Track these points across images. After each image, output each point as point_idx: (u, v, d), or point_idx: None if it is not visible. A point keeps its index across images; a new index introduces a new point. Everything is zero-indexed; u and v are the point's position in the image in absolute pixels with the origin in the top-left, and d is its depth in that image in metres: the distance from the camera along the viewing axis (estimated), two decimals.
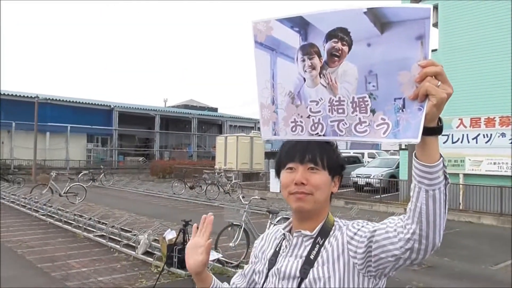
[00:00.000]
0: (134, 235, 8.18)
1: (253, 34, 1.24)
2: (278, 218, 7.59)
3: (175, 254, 6.40)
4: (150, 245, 7.67)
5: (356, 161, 21.76)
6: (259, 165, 24.68)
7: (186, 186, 18.94)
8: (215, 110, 44.52)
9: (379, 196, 15.67)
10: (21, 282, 6.19)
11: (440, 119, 1.03)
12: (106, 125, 32.48)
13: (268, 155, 25.37)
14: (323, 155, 1.28)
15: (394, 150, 24.77)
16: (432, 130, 1.02)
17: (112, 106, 32.76)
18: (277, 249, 1.35)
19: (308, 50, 1.16)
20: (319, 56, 1.14)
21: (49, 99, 29.07)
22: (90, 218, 9.88)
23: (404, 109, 1.02)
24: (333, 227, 1.27)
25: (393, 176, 17.73)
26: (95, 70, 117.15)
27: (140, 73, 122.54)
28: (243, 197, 8.51)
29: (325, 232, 1.27)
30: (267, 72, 1.24)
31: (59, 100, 30.15)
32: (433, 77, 0.99)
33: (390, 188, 16.62)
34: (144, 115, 35.35)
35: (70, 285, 6.02)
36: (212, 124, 41.90)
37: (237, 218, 7.60)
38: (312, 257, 1.24)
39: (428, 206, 1.03)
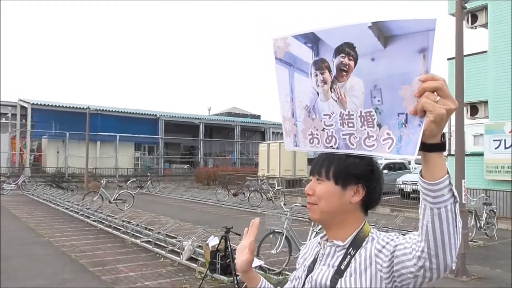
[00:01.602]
0: (179, 241, 8.41)
1: (274, 50, 1.29)
2: (320, 226, 7.56)
3: (217, 261, 6.53)
4: (194, 251, 7.86)
5: (402, 167, 21.19)
6: (302, 172, 24.55)
7: (230, 193, 19.18)
8: (258, 117, 44.83)
9: None
10: (75, 285, 6.53)
11: (443, 135, 1.01)
12: (152, 134, 33.53)
13: (311, 161, 25.16)
14: (330, 166, 1.31)
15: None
16: (433, 146, 1.01)
17: (158, 115, 33.78)
18: (316, 257, 1.38)
19: (320, 65, 1.18)
20: (330, 71, 1.16)
21: (99, 110, 30.40)
22: (137, 225, 10.25)
23: (406, 124, 1.02)
24: (367, 239, 1.28)
25: None
26: (141, 81, 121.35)
27: (184, 82, 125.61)
28: (284, 204, 8.55)
29: (357, 243, 1.28)
30: (286, 86, 1.29)
31: (109, 110, 31.45)
32: (434, 92, 0.97)
33: None
34: (188, 123, 36.21)
35: None
36: (255, 131, 42.19)
37: (279, 225, 7.64)
38: (342, 267, 1.26)
39: (434, 224, 1.02)
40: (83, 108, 27.31)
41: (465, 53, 8.52)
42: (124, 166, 30.90)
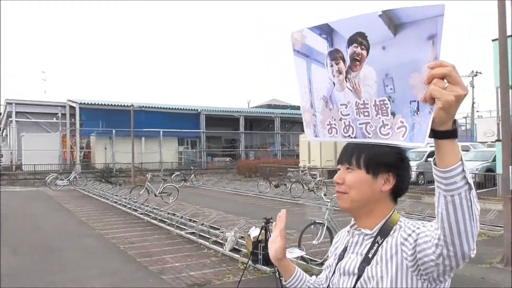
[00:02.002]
0: (222, 232, 8.60)
1: (292, 43, 1.31)
2: None
3: (259, 251, 6.63)
4: (236, 242, 8.00)
5: None
6: None
7: (271, 184, 19.29)
8: (298, 108, 44.35)
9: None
10: (124, 275, 6.85)
11: (455, 122, 1.00)
12: (194, 128, 34.15)
13: None
14: (361, 155, 1.32)
15: (491, 142, 22.82)
16: (444, 133, 1.00)
17: (199, 110, 34.34)
18: (346, 246, 1.41)
19: (335, 55, 1.19)
20: (344, 61, 1.17)
21: (143, 107, 31.30)
22: (182, 217, 10.54)
23: (418, 112, 1.02)
24: (394, 227, 1.28)
25: (490, 170, 16.38)
26: (182, 77, 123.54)
27: (224, 76, 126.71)
28: (325, 195, 8.50)
29: (385, 232, 1.29)
30: (304, 77, 1.31)
31: (152, 107, 32.33)
32: (443, 79, 0.96)
33: (487, 183, 15.40)
34: (229, 117, 36.57)
35: (165, 278, 6.53)
36: (295, 122, 41.98)
37: (320, 216, 7.63)
38: (370, 255, 1.28)
39: (448, 212, 1.01)
40: (127, 105, 28.22)
41: (509, 33, 8.13)
42: (168, 160, 31.73)
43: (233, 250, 7.86)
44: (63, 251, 8.41)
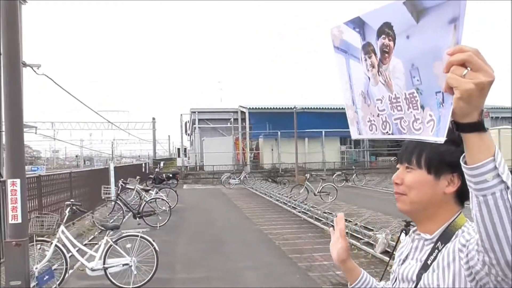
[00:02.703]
0: (374, 233, 8.43)
1: (331, 39, 1.29)
2: None
3: None
4: (388, 245, 7.76)
5: None
6: None
7: None
8: None
9: None
10: (275, 268, 7.34)
11: (481, 113, 0.89)
12: None
13: None
14: (422, 153, 1.23)
15: None
16: (468, 126, 0.90)
17: None
18: (409, 251, 1.34)
19: (367, 49, 1.14)
20: (375, 54, 1.11)
21: (305, 108, 32.30)
22: (336, 216, 10.63)
23: (443, 104, 0.93)
24: (457, 232, 1.18)
25: None
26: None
27: None
28: None
29: (446, 237, 1.19)
30: (345, 74, 1.28)
31: (313, 108, 33.11)
32: (463, 65, 0.86)
33: None
34: None
35: (312, 275, 6.77)
36: None
37: None
38: (429, 262, 1.20)
39: (482, 213, 0.91)
40: (290, 108, 29.52)
41: None
42: (331, 160, 32.04)
43: (385, 252, 7.64)
44: (229, 244, 9.40)
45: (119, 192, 12.57)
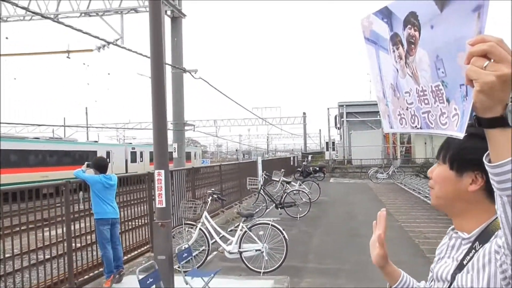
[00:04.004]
0: None
1: (362, 30, 1.26)
2: None
3: None
4: None
5: None
6: None
7: None
8: None
9: None
10: (408, 267, 7.00)
11: (505, 107, 0.82)
12: None
13: None
14: (448, 149, 1.21)
15: None
16: (491, 121, 0.84)
17: None
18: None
19: (395, 40, 1.09)
20: (402, 45, 1.07)
21: None
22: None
23: (467, 97, 0.87)
24: (497, 232, 1.10)
25: None
26: None
27: None
28: None
29: (485, 237, 1.13)
30: (375, 65, 1.24)
31: None
32: (485, 56, 0.80)
33: None
34: None
35: None
36: None
37: None
38: (465, 262, 1.15)
39: (506, 214, 0.86)
40: None
41: None
42: None
43: None
44: (365, 238, 9.29)
45: (263, 183, 13.43)
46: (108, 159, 30.18)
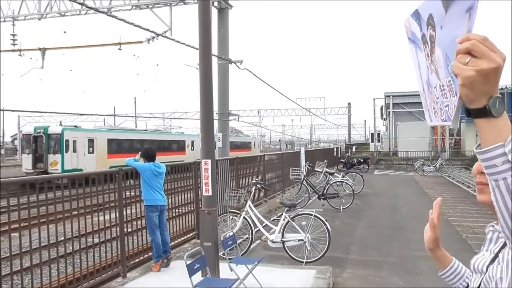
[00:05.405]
0: None
1: (405, 31, 1.37)
2: None
3: None
4: None
5: None
6: None
7: None
8: None
9: None
10: None
11: (489, 99, 0.89)
12: None
13: None
14: None
15: None
16: (475, 112, 0.92)
17: None
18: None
19: (424, 39, 1.19)
20: (427, 44, 1.17)
21: None
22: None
23: (457, 91, 0.98)
24: None
25: None
26: None
27: None
28: None
29: None
30: (416, 63, 1.34)
31: None
32: (469, 53, 0.88)
33: None
34: None
35: None
36: None
37: None
38: (500, 255, 1.19)
39: (496, 199, 0.91)
40: (499, 88, 25.85)
41: None
42: None
43: None
44: (408, 232, 9.16)
45: (305, 174, 13.45)
46: (192, 147, 32.75)
